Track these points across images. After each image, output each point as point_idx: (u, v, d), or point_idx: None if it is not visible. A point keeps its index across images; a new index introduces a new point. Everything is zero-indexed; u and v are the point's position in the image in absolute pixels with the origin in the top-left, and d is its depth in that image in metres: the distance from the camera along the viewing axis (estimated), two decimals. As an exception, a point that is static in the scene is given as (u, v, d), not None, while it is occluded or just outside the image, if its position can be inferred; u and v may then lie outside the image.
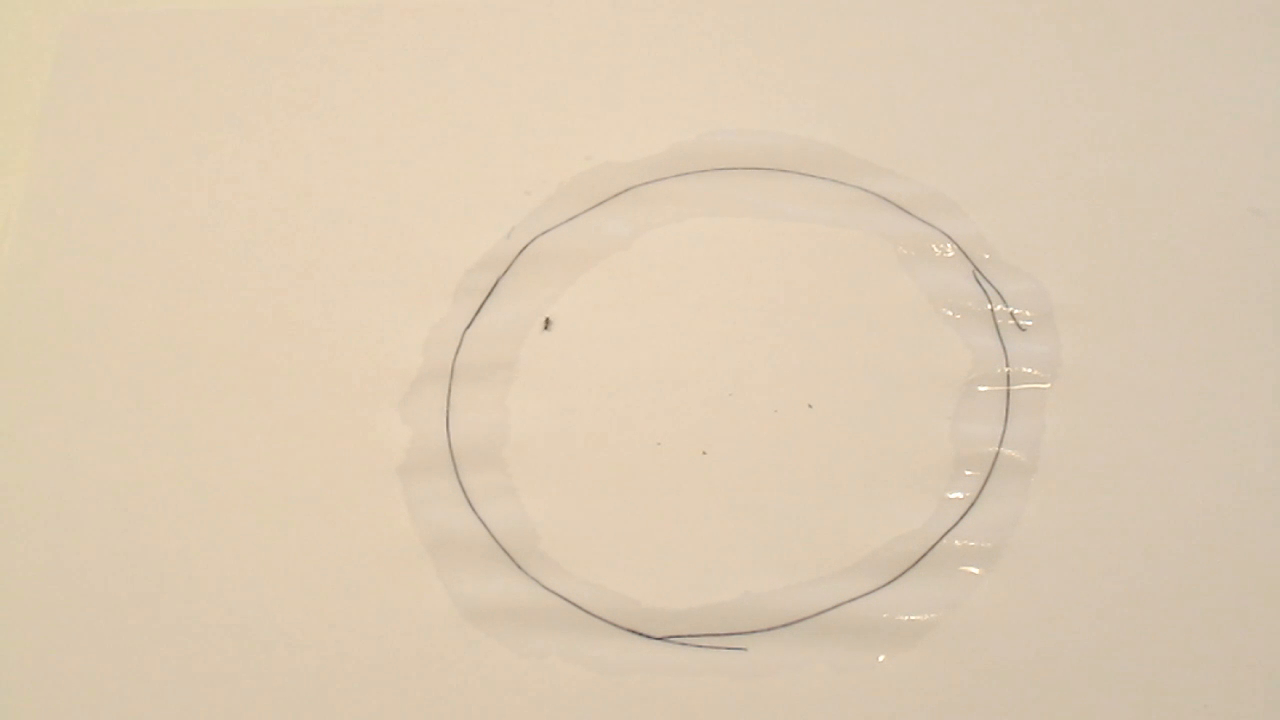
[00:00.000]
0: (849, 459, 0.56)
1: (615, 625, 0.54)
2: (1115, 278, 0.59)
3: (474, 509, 0.57)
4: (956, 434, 0.57)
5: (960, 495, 0.56)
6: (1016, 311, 0.59)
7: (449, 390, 0.59)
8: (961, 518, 0.55)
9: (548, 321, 0.59)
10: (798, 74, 0.65)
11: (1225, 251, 0.59)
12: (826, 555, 0.55)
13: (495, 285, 0.61)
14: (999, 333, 0.59)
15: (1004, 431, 0.57)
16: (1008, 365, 0.58)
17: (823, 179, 0.62)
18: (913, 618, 0.53)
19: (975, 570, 0.54)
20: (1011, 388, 0.58)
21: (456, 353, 0.60)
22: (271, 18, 0.68)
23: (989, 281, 0.60)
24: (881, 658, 0.53)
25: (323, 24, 0.68)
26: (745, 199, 0.62)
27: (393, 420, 0.58)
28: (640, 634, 0.54)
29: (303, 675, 0.54)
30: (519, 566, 0.55)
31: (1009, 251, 0.60)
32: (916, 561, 0.54)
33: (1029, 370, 0.58)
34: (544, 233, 0.62)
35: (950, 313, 0.59)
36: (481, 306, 0.60)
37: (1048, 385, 0.57)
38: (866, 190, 0.62)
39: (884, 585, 0.54)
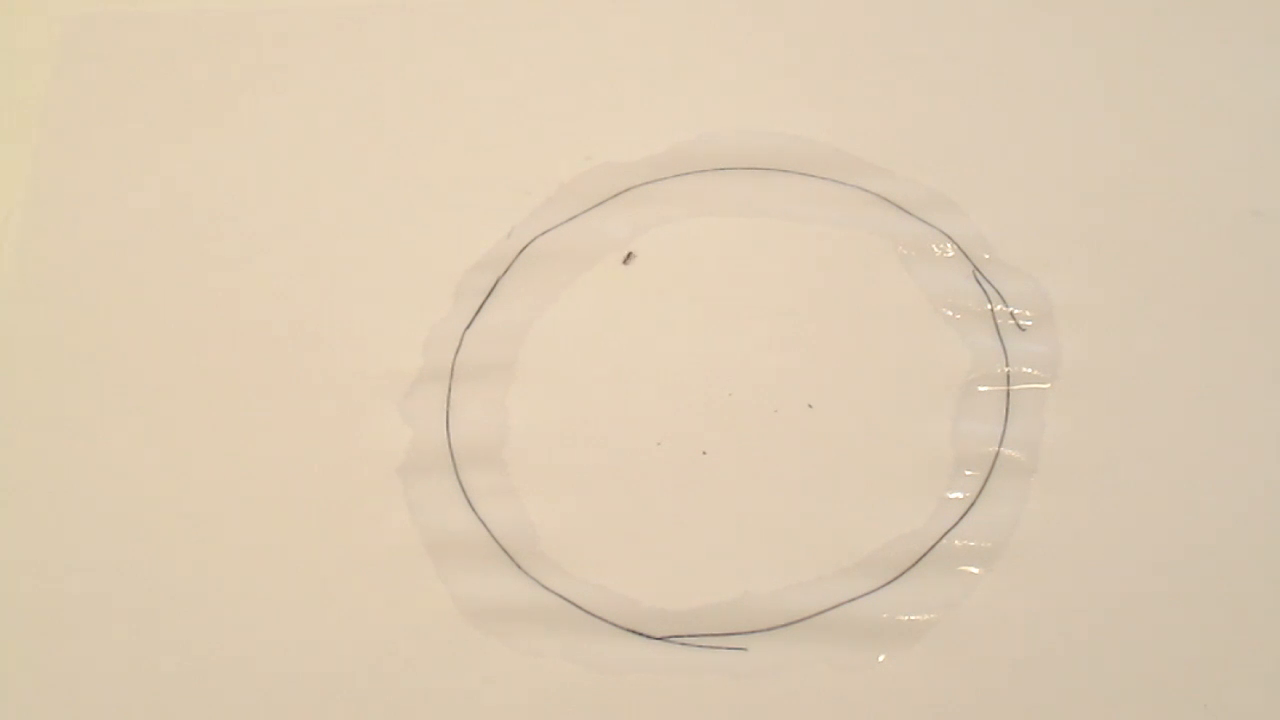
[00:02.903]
0: (849, 459, 0.56)
1: (615, 625, 0.54)
2: (1115, 278, 0.59)
3: (474, 509, 0.57)
4: (956, 434, 0.57)
5: (960, 495, 0.56)
6: (1016, 311, 0.59)
7: (449, 390, 0.59)
8: (961, 518, 0.55)
9: (629, 255, 0.59)
10: (798, 74, 0.65)
11: (1225, 251, 0.59)
12: (826, 555, 0.55)
13: (495, 285, 0.61)
14: (999, 333, 0.59)
15: (1004, 431, 0.57)
16: (1008, 365, 0.58)
17: (823, 179, 0.62)
18: (913, 618, 0.53)
19: (975, 570, 0.54)
20: (1011, 388, 0.58)
21: (456, 353, 0.60)
22: (272, 18, 0.68)
23: (989, 281, 0.60)
24: (881, 658, 0.53)
25: (323, 24, 0.68)
26: (745, 199, 0.62)
27: (393, 420, 0.58)
28: (640, 634, 0.54)
29: (302, 675, 0.54)
30: (519, 566, 0.55)
31: (1009, 251, 0.60)
32: (916, 561, 0.54)
33: (1029, 370, 0.58)
34: (544, 233, 0.62)
35: (950, 313, 0.59)
36: (481, 306, 0.60)
37: (1048, 385, 0.57)
38: (866, 190, 0.62)
39: (884, 585, 0.54)
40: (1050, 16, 0.66)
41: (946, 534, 0.55)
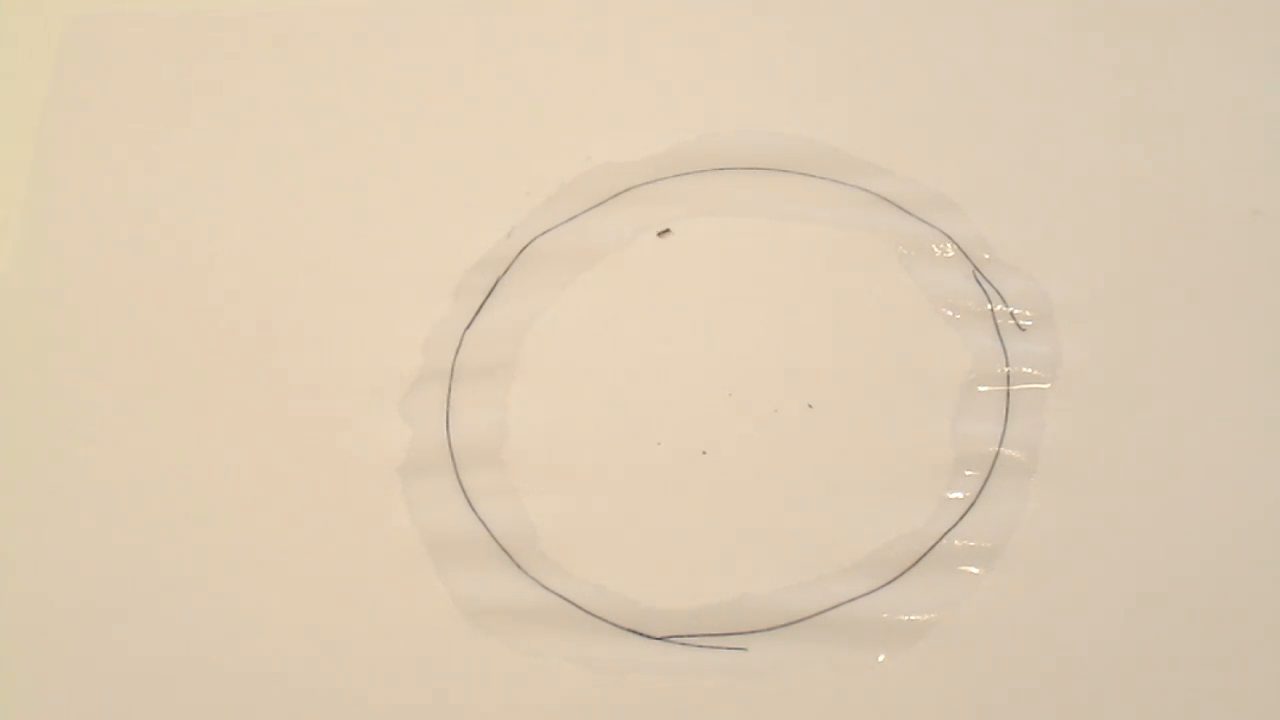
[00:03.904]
0: (849, 459, 0.56)
1: (615, 625, 0.54)
2: (1115, 278, 0.59)
3: (474, 509, 0.57)
4: (956, 434, 0.57)
5: (960, 495, 0.56)
6: (1016, 311, 0.59)
7: (449, 390, 0.59)
8: (961, 518, 0.55)
9: (666, 230, 0.59)
10: (798, 74, 0.65)
11: (1225, 251, 0.59)
12: (826, 555, 0.55)
13: (495, 285, 0.61)
14: (999, 333, 0.59)
15: (1004, 431, 0.57)
16: (1008, 365, 0.58)
17: (823, 179, 0.62)
18: (913, 618, 0.53)
19: (975, 570, 0.54)
20: (1011, 388, 0.58)
21: (456, 353, 0.60)
22: (272, 19, 0.68)
23: (989, 281, 0.60)
24: (881, 658, 0.53)
25: (323, 25, 0.68)
26: (745, 199, 0.62)
27: (393, 420, 0.58)
28: (640, 634, 0.54)
29: (302, 675, 0.54)
30: (519, 566, 0.55)
31: (1009, 251, 0.60)
32: (916, 561, 0.54)
33: (1029, 370, 0.58)
34: (544, 233, 0.62)
35: (950, 313, 0.59)
36: (481, 306, 0.60)
37: (1048, 385, 0.57)
38: (866, 190, 0.62)
39: (884, 585, 0.54)
40: (1051, 17, 0.66)
41: (946, 534, 0.55)
